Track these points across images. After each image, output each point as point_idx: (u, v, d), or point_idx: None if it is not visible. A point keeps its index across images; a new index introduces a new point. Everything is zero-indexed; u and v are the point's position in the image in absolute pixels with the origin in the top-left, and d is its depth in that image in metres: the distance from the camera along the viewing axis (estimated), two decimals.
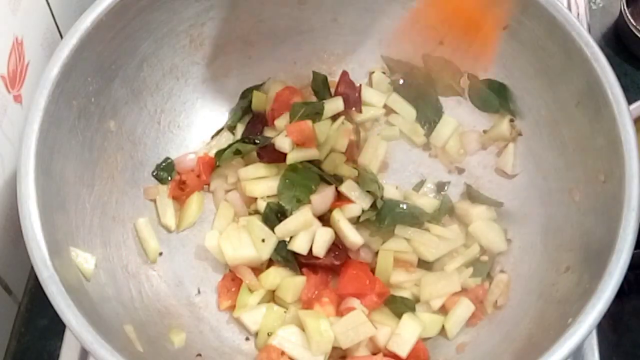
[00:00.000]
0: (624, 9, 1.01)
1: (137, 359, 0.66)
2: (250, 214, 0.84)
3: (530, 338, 0.70)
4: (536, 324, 0.71)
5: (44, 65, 0.70)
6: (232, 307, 0.80)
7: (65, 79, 0.70)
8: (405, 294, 0.79)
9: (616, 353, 0.84)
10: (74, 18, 0.72)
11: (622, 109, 0.69)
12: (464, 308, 0.77)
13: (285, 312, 0.78)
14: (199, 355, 0.75)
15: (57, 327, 0.81)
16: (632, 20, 1.01)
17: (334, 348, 0.75)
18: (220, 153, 0.86)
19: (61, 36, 0.94)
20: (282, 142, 0.82)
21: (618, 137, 0.68)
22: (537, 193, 0.81)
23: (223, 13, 0.85)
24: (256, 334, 0.78)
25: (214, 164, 0.86)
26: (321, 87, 0.88)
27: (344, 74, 0.89)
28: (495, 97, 0.86)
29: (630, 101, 0.71)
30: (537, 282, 0.76)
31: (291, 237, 0.80)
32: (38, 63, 0.86)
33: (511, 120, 0.85)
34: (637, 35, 1.00)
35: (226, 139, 0.89)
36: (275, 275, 0.79)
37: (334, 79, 0.90)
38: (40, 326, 0.86)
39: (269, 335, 0.76)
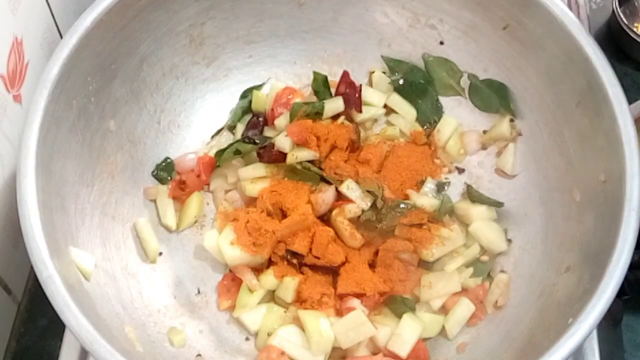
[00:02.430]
0: (616, 8, 1.01)
1: (136, 359, 0.66)
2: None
3: (531, 338, 0.70)
4: (536, 324, 0.71)
5: (44, 65, 0.70)
6: (232, 307, 0.79)
7: (65, 79, 0.70)
8: (405, 294, 0.78)
9: (616, 353, 0.84)
10: (74, 18, 0.72)
11: (622, 108, 0.69)
12: (464, 308, 0.77)
13: (285, 312, 0.78)
14: (199, 355, 0.75)
15: (56, 327, 0.81)
16: (624, 19, 1.00)
17: (334, 348, 0.75)
18: (220, 153, 0.86)
19: (61, 36, 0.93)
20: (282, 142, 0.82)
21: (618, 136, 0.68)
22: (537, 193, 0.81)
23: (223, 13, 0.85)
24: (256, 334, 0.78)
25: (214, 164, 0.86)
26: (321, 87, 0.88)
27: (345, 73, 0.89)
28: (495, 97, 0.86)
29: (630, 101, 0.70)
30: (537, 282, 0.76)
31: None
32: (38, 63, 0.86)
33: (511, 120, 0.85)
34: (629, 35, 1.00)
35: (226, 138, 0.89)
36: (275, 275, 0.79)
37: (334, 79, 0.90)
38: (40, 326, 0.86)
39: (268, 335, 0.76)
